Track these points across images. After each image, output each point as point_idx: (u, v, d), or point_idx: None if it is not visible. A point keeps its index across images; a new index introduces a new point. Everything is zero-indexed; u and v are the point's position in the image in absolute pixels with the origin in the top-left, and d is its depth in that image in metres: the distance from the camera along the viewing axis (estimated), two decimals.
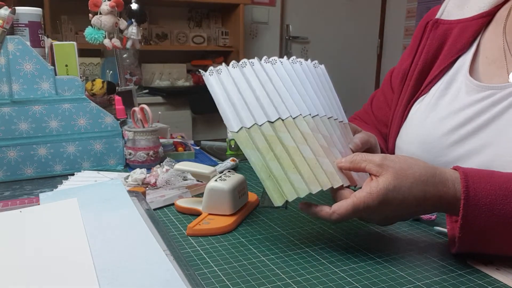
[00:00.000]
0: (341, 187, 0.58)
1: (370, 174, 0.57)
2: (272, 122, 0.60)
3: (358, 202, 0.54)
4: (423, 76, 0.79)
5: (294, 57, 0.67)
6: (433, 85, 0.77)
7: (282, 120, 0.60)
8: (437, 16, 0.80)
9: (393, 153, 0.81)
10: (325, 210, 0.56)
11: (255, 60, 0.64)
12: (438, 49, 0.78)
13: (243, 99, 0.61)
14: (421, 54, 0.80)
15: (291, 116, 0.61)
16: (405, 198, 0.53)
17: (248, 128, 0.59)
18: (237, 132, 0.59)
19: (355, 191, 0.57)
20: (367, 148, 0.68)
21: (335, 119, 0.65)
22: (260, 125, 0.60)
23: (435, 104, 0.75)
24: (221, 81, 0.63)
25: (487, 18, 0.75)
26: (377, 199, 0.53)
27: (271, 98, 0.62)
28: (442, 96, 0.75)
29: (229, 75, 0.63)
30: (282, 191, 0.56)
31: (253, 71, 0.63)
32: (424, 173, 0.54)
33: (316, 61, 0.69)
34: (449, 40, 0.77)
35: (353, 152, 0.64)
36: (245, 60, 0.64)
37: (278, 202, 0.56)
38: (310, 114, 0.62)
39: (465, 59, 0.75)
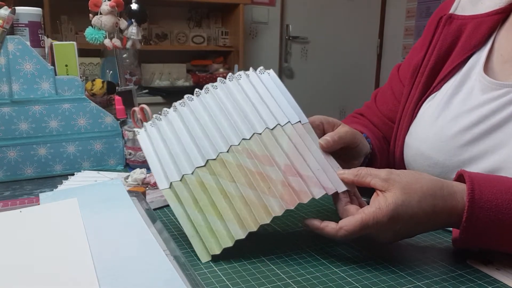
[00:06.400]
0: (347, 203, 0.57)
1: (375, 190, 0.55)
2: (204, 165, 0.60)
3: (367, 218, 0.52)
4: (435, 73, 0.77)
5: (230, 74, 0.67)
6: (445, 82, 0.75)
7: (214, 159, 0.60)
8: (450, 11, 0.77)
9: (401, 151, 0.79)
10: (331, 226, 0.54)
11: (192, 96, 0.67)
12: (451, 45, 0.76)
13: (169, 152, 0.62)
14: (433, 49, 0.77)
15: (220, 153, 0.61)
16: (415, 212, 0.52)
17: (174, 183, 0.60)
18: (164, 189, 0.60)
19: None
20: (343, 147, 0.64)
21: (283, 125, 0.62)
22: (185, 176, 0.60)
23: (448, 102, 0.72)
24: (149, 137, 0.64)
25: (502, 15, 0.72)
26: (386, 215, 0.52)
27: (197, 143, 0.62)
28: (455, 94, 0.72)
29: (157, 128, 0.65)
30: (207, 246, 0.56)
31: (189, 111, 0.66)
32: (432, 187, 0.53)
33: (262, 67, 0.68)
34: (463, 36, 0.75)
35: (324, 150, 0.61)
36: (181, 101, 0.67)
37: (203, 258, 0.55)
38: (244, 139, 0.61)
39: (480, 56, 0.72)
